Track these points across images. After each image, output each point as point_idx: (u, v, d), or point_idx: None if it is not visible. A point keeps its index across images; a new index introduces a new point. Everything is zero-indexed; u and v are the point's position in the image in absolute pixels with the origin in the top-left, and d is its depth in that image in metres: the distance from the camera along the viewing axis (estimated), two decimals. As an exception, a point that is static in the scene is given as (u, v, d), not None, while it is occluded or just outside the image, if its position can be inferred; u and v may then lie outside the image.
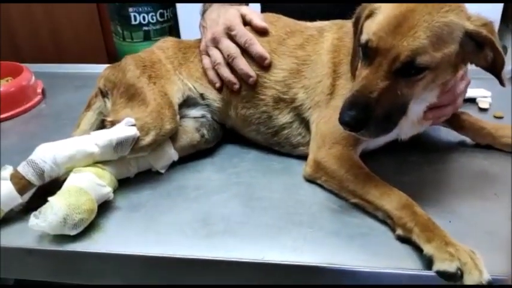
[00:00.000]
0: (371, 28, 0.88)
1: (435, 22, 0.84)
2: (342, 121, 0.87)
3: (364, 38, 0.88)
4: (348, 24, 1.08)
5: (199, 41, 1.21)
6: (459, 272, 0.74)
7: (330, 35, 1.10)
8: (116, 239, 0.88)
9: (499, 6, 2.33)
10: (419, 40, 0.83)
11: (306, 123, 1.09)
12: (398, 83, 0.87)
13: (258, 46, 1.11)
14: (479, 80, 1.39)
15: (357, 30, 0.96)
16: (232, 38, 1.13)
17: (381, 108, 0.86)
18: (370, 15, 0.92)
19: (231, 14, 1.15)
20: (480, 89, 1.38)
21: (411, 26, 0.83)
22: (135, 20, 2.71)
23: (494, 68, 0.93)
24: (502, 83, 0.96)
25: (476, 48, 0.89)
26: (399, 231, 0.85)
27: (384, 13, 0.87)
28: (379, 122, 0.87)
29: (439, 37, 0.85)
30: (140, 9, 2.70)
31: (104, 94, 1.13)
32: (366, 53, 0.89)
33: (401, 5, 0.86)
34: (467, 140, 1.17)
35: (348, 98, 0.88)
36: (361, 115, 0.85)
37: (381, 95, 0.86)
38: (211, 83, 1.16)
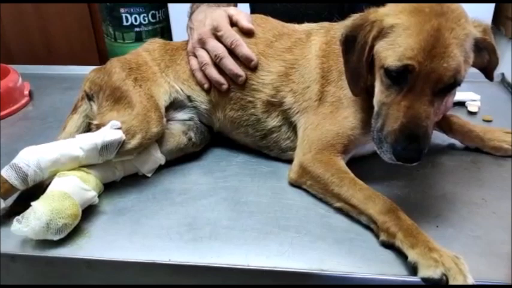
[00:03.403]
0: (399, 52, 0.85)
1: (460, 36, 0.84)
2: (402, 156, 0.84)
3: (394, 64, 0.85)
4: (335, 27, 1.08)
5: (187, 42, 1.21)
6: (444, 277, 0.74)
7: (317, 38, 1.09)
8: (100, 244, 0.87)
9: (491, 8, 2.34)
10: (457, 58, 0.83)
11: (294, 128, 1.09)
12: (437, 103, 0.87)
13: (244, 47, 1.10)
14: (468, 84, 1.39)
15: (349, 49, 0.94)
16: (219, 39, 1.12)
17: (430, 133, 0.86)
18: (379, 36, 0.89)
19: (217, 15, 1.14)
20: (469, 93, 1.38)
21: (445, 45, 0.82)
22: (127, 21, 2.70)
23: (488, 68, 0.96)
24: (491, 79, 0.99)
25: (477, 51, 0.90)
26: (383, 237, 0.84)
27: (408, 35, 0.85)
28: None
29: (465, 50, 0.85)
30: (132, 10, 2.68)
31: (89, 97, 1.12)
32: (395, 78, 0.86)
33: (421, 23, 0.84)
34: (457, 143, 1.17)
35: (399, 130, 0.84)
36: (424, 146, 0.84)
37: (430, 120, 0.85)
38: (199, 84, 1.15)
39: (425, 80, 0.84)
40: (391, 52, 0.86)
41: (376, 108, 0.92)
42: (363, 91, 0.96)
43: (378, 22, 0.89)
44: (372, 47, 0.91)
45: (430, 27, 0.83)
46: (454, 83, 0.85)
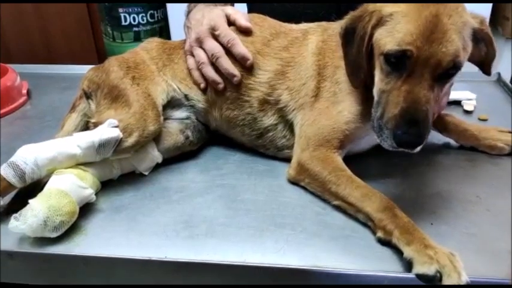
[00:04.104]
0: (398, 38, 0.85)
1: (458, 23, 0.85)
2: (402, 141, 0.85)
3: (393, 48, 0.86)
4: (332, 26, 1.09)
5: (184, 41, 1.21)
6: (438, 274, 0.74)
7: (314, 37, 1.10)
8: (97, 241, 0.88)
9: (488, 8, 2.34)
10: (455, 43, 0.84)
11: (290, 126, 1.09)
12: (437, 89, 0.88)
13: (240, 46, 1.10)
14: (464, 83, 1.41)
15: (349, 41, 0.94)
16: (216, 38, 1.13)
17: (430, 119, 0.87)
18: (378, 24, 0.90)
19: (215, 14, 1.15)
20: (465, 92, 1.39)
21: (444, 31, 0.83)
22: (125, 20, 2.70)
23: (485, 61, 0.97)
24: (488, 73, 1.00)
25: (474, 42, 0.91)
26: (380, 234, 0.85)
27: (407, 21, 0.86)
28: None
29: (463, 37, 0.86)
30: (130, 9, 2.68)
31: (87, 96, 1.12)
32: (395, 64, 0.87)
33: (420, 9, 0.85)
34: (452, 142, 1.18)
35: (399, 115, 0.85)
36: (424, 130, 0.85)
37: (430, 105, 0.86)
38: (196, 83, 1.15)
39: (425, 65, 0.84)
40: (390, 38, 0.87)
41: (376, 98, 0.93)
42: (362, 83, 0.97)
43: (376, 12, 0.91)
44: (371, 36, 0.91)
45: (428, 13, 0.84)
46: (453, 68, 0.86)
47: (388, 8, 0.89)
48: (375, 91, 0.93)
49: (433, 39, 0.83)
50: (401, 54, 0.85)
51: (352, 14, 0.97)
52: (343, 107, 1.01)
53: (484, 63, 0.98)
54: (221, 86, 1.12)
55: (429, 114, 0.86)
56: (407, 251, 0.79)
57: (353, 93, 1.00)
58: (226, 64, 1.10)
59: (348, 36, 0.95)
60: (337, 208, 0.94)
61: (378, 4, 0.92)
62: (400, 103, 0.85)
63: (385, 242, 0.84)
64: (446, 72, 0.86)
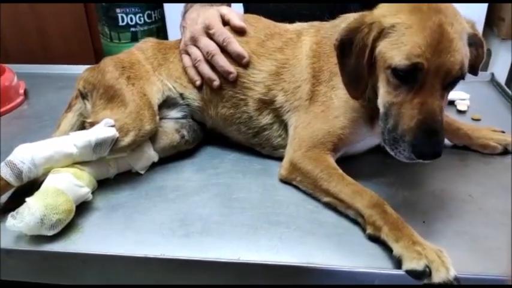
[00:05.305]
0: (406, 51, 0.85)
1: (459, 31, 0.86)
2: (423, 152, 0.84)
3: (402, 63, 0.85)
4: (325, 26, 1.10)
5: (179, 41, 1.22)
6: (427, 269, 0.75)
7: (307, 38, 1.10)
8: (93, 239, 0.89)
9: (484, 8, 2.36)
10: (461, 51, 0.85)
11: (285, 126, 1.10)
12: (445, 97, 0.89)
13: (236, 45, 1.11)
14: (458, 83, 1.41)
15: (346, 53, 0.93)
16: (211, 37, 1.14)
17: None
18: (380, 36, 0.89)
19: (210, 14, 1.16)
20: (459, 92, 1.40)
21: (450, 40, 0.84)
22: (123, 21, 2.71)
23: (475, 63, 0.98)
24: (476, 74, 1.01)
25: (468, 46, 0.92)
26: (369, 230, 0.86)
27: (412, 33, 0.85)
28: None
29: (464, 44, 0.88)
30: (128, 10, 2.69)
31: (83, 96, 1.13)
32: (403, 77, 0.87)
33: (422, 20, 0.85)
34: (445, 141, 1.18)
35: (417, 127, 0.85)
36: (443, 139, 0.86)
37: (443, 114, 0.87)
38: (191, 80, 1.16)
39: (435, 75, 0.85)
40: (396, 51, 0.87)
41: (382, 110, 0.92)
42: (363, 93, 0.96)
43: (376, 23, 0.90)
44: (372, 48, 0.91)
45: (432, 24, 0.84)
46: (460, 76, 0.87)
47: (388, 19, 0.89)
48: (381, 103, 0.93)
49: (441, 49, 0.84)
50: (412, 68, 0.85)
51: (348, 25, 0.95)
52: (340, 113, 1.01)
53: (473, 66, 0.98)
54: (217, 83, 1.13)
55: (443, 123, 0.87)
56: (396, 248, 0.80)
57: (349, 99, 1.00)
58: (222, 61, 1.11)
59: (345, 48, 0.93)
60: (328, 205, 0.95)
61: (375, 14, 0.92)
62: (416, 115, 0.85)
63: (375, 238, 0.85)
64: (453, 80, 0.87)
